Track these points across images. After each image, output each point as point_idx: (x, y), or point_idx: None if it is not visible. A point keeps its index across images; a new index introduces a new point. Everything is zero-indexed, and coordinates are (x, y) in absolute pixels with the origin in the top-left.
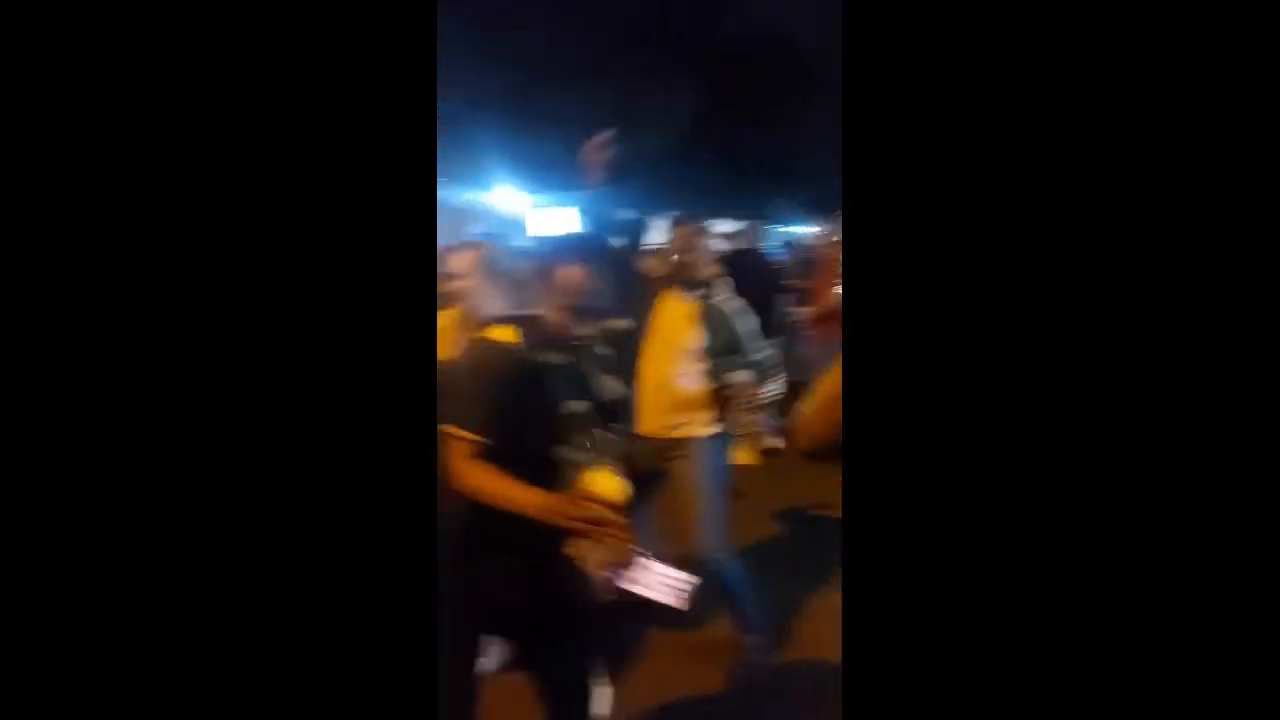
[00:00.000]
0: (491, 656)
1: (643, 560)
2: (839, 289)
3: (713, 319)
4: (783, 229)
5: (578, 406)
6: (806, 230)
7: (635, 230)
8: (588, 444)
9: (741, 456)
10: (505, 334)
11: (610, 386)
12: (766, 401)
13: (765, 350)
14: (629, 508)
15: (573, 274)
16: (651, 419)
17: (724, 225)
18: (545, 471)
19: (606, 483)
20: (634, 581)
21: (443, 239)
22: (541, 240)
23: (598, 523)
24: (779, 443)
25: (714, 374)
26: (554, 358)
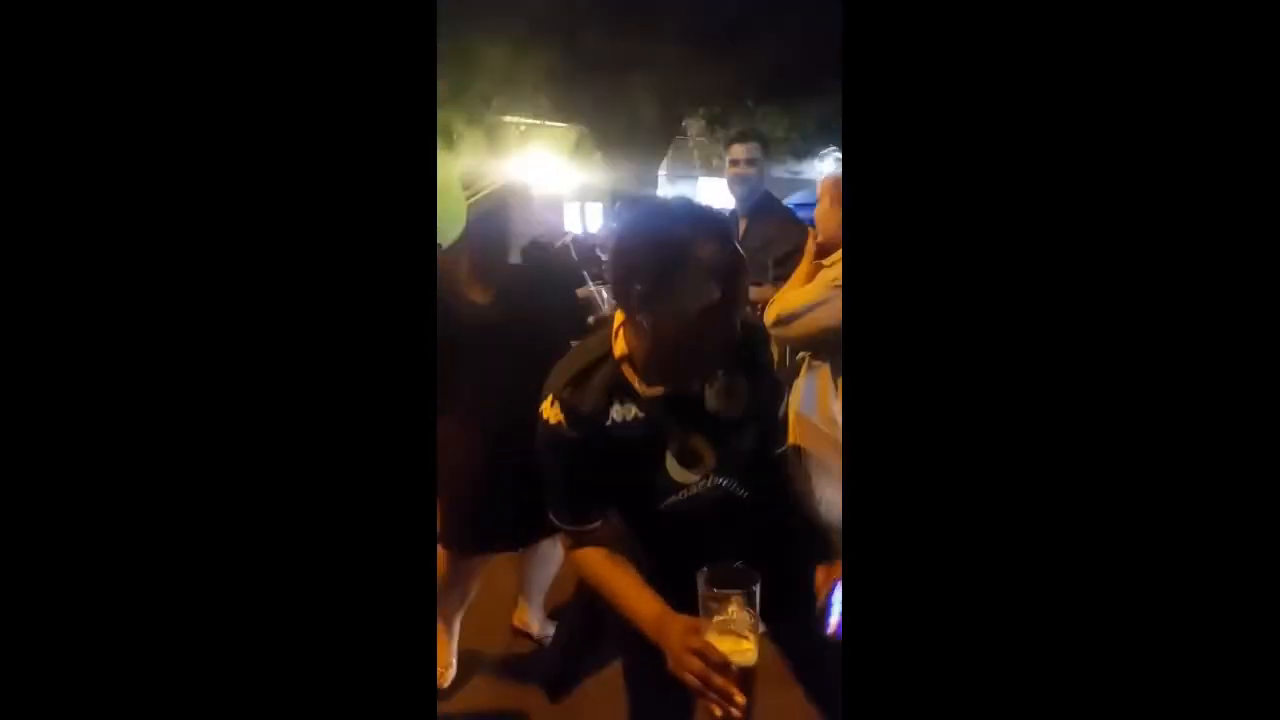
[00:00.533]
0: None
1: None
2: None
3: None
4: None
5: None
6: None
7: None
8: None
9: None
10: (549, 411)
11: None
12: None
13: None
14: (750, 680)
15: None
16: None
17: None
18: (666, 563)
19: (729, 639)
20: None
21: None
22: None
23: (709, 687)
24: None
25: None
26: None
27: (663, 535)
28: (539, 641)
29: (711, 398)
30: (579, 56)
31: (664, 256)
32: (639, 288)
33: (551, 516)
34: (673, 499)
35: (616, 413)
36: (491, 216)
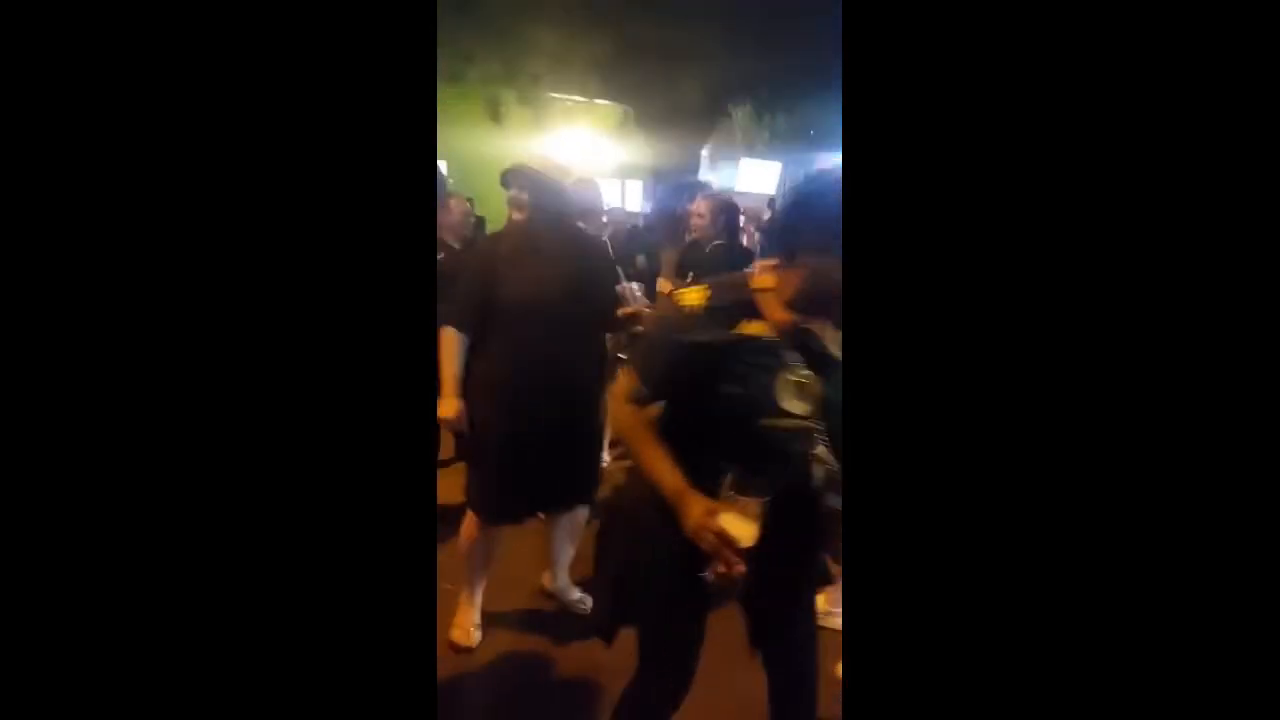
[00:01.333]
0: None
1: None
2: None
3: None
4: None
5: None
6: None
7: None
8: (732, 479)
9: None
10: (693, 296)
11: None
12: None
13: None
14: (748, 552)
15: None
16: None
17: None
18: (703, 458)
19: (739, 522)
20: None
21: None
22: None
23: (719, 556)
24: None
25: None
26: (739, 344)
27: (745, 446)
28: (566, 605)
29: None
30: (629, 40)
31: (833, 215)
32: (808, 233)
33: (626, 365)
34: (773, 421)
35: (749, 328)
36: (534, 204)
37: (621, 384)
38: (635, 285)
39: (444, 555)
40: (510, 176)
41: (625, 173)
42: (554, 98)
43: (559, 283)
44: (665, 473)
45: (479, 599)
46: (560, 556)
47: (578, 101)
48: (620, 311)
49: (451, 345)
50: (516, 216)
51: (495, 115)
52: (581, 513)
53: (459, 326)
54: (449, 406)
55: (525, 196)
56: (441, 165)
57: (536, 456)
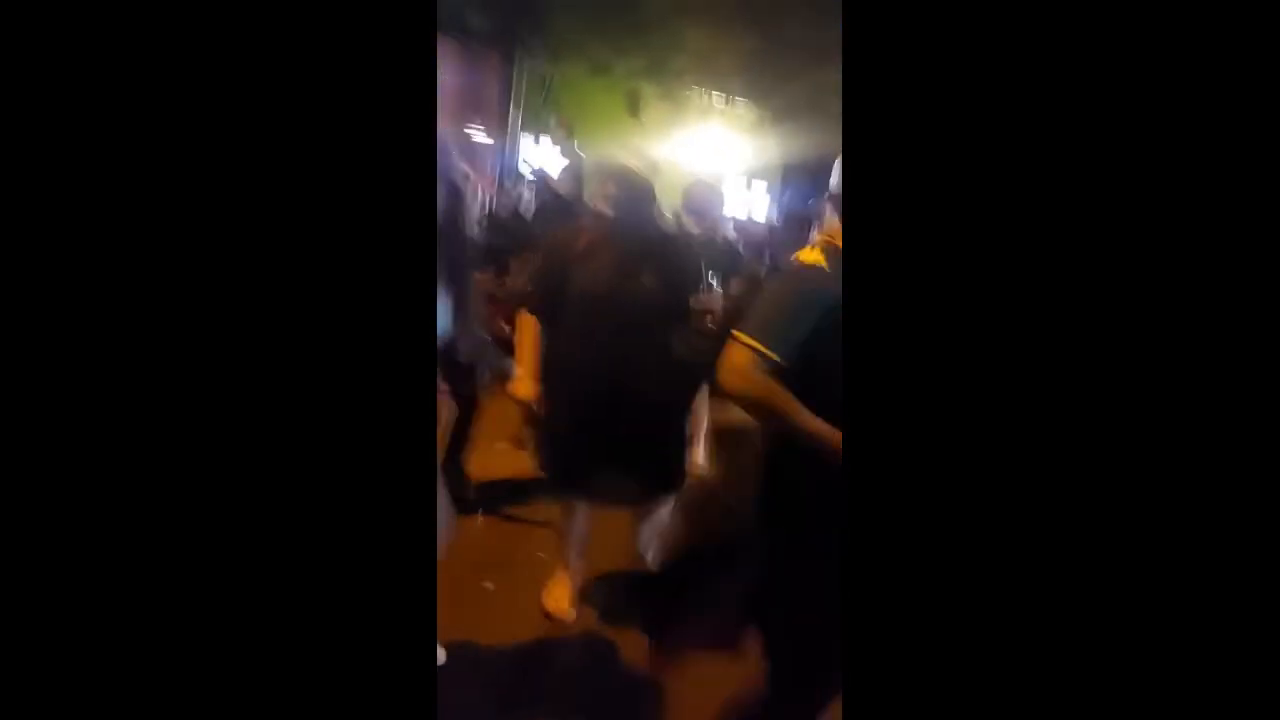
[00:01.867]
0: None
1: None
2: None
3: None
4: None
5: None
6: None
7: None
8: None
9: None
10: (814, 256)
11: None
12: None
13: None
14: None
15: None
16: None
17: None
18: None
19: None
20: None
21: None
22: None
23: None
24: None
25: None
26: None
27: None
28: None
29: None
30: (774, 40)
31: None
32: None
33: (756, 339)
34: None
35: None
36: (620, 201)
37: (739, 356)
38: (718, 293)
39: (539, 529)
40: (601, 171)
41: (756, 174)
42: (693, 95)
43: (634, 282)
44: (820, 425)
45: (576, 573)
46: (647, 543)
47: (716, 100)
48: (692, 301)
49: (529, 329)
50: (601, 210)
51: (635, 109)
52: (665, 509)
53: (534, 312)
54: (525, 388)
55: (613, 190)
56: (582, 152)
57: (602, 447)
